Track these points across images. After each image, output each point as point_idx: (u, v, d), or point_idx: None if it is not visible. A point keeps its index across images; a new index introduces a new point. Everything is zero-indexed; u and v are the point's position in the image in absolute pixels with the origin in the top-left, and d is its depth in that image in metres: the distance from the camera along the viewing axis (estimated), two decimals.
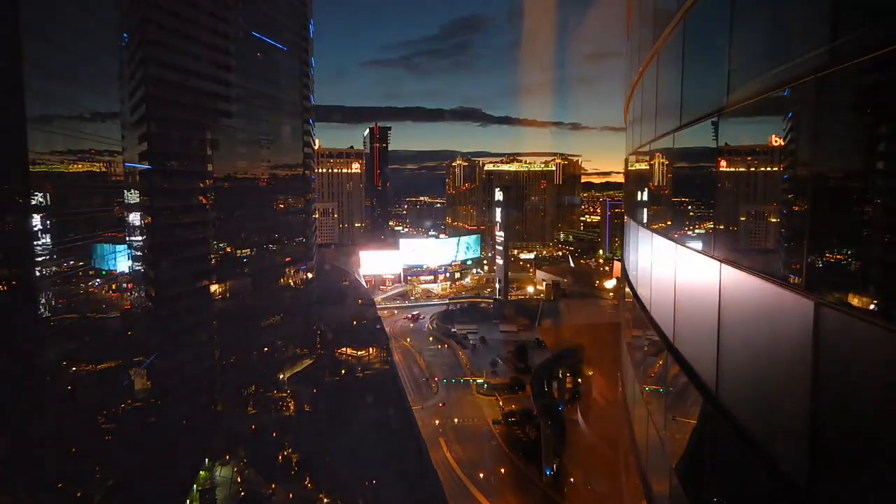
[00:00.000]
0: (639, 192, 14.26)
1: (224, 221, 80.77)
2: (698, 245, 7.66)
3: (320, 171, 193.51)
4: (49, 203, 40.94)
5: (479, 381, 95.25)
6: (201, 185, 75.80)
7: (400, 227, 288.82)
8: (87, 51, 45.93)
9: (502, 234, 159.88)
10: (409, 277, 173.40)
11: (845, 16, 3.76)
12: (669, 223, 9.70)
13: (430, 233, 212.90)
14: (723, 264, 6.11)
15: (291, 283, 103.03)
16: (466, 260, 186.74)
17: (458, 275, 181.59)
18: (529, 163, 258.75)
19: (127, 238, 56.04)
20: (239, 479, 65.33)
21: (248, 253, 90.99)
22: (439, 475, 66.13)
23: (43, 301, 40.66)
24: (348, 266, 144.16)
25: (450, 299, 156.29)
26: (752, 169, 6.00)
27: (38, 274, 39.77)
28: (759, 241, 5.79)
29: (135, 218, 59.14)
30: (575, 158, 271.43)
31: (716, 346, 6.09)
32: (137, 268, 58.97)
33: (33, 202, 39.21)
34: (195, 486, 57.23)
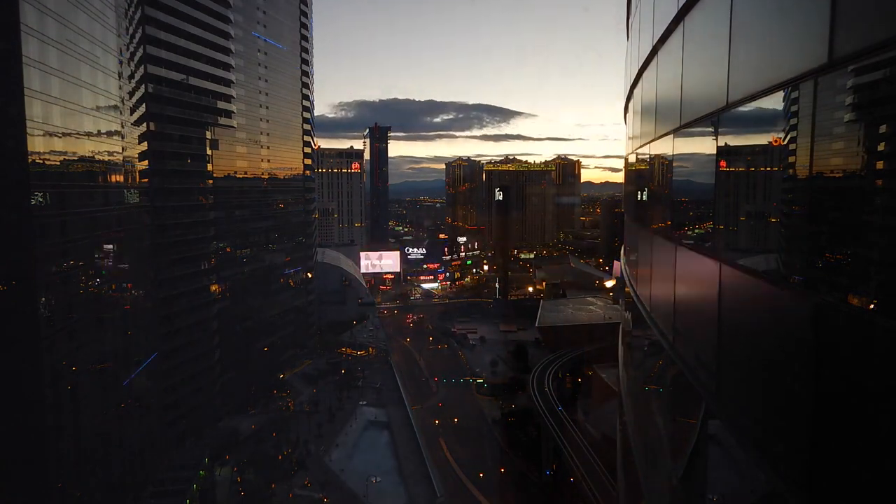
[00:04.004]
0: (639, 192, 14.26)
1: (224, 221, 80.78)
2: (698, 245, 7.67)
3: (320, 171, 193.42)
4: (49, 203, 40.91)
5: (479, 381, 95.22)
6: (201, 185, 75.82)
7: (400, 227, 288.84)
8: (87, 50, 45.90)
9: (502, 234, 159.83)
10: (408, 277, 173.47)
11: (845, 16, 3.76)
12: (669, 223, 9.70)
13: (429, 233, 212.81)
14: (723, 264, 6.11)
15: (291, 283, 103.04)
16: (467, 260, 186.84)
17: (458, 275, 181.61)
18: (529, 163, 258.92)
19: (127, 237, 55.98)
20: (239, 479, 65.32)
21: (248, 253, 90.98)
22: (439, 475, 66.12)
23: (43, 301, 40.64)
24: (348, 266, 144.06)
25: (450, 299, 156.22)
26: (752, 169, 6.00)
27: (37, 274, 39.77)
28: (759, 241, 5.79)
29: (135, 218, 59.08)
30: (574, 159, 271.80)
31: (716, 346, 6.09)
32: (137, 267, 58.93)
33: (33, 202, 39.19)
34: (195, 486, 57.19)
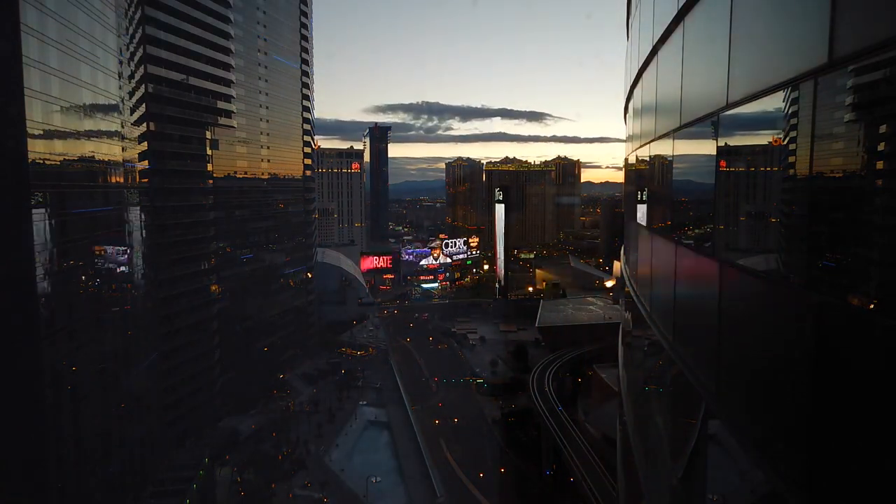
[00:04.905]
0: (639, 192, 14.26)
1: (224, 221, 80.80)
2: (698, 245, 7.67)
3: (320, 171, 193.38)
4: (49, 203, 40.89)
5: (479, 381, 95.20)
6: (201, 185, 75.83)
7: (400, 227, 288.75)
8: (87, 50, 45.90)
9: (502, 234, 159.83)
10: (408, 277, 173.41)
11: (845, 16, 3.76)
12: (669, 223, 9.70)
13: (429, 233, 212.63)
14: (723, 264, 6.11)
15: (291, 283, 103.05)
16: (467, 260, 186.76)
17: (458, 275, 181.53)
18: (529, 163, 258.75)
19: (127, 238, 55.97)
20: (239, 479, 65.31)
21: (248, 253, 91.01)
22: (439, 475, 66.10)
23: (43, 301, 40.62)
24: (348, 266, 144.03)
25: (450, 299, 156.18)
26: (752, 169, 6.00)
27: (38, 274, 39.74)
28: (759, 241, 5.79)
29: (135, 218, 59.11)
30: (574, 159, 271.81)
31: (716, 346, 6.09)
32: (137, 268, 58.94)
33: (33, 202, 39.16)
34: (195, 486, 57.16)
